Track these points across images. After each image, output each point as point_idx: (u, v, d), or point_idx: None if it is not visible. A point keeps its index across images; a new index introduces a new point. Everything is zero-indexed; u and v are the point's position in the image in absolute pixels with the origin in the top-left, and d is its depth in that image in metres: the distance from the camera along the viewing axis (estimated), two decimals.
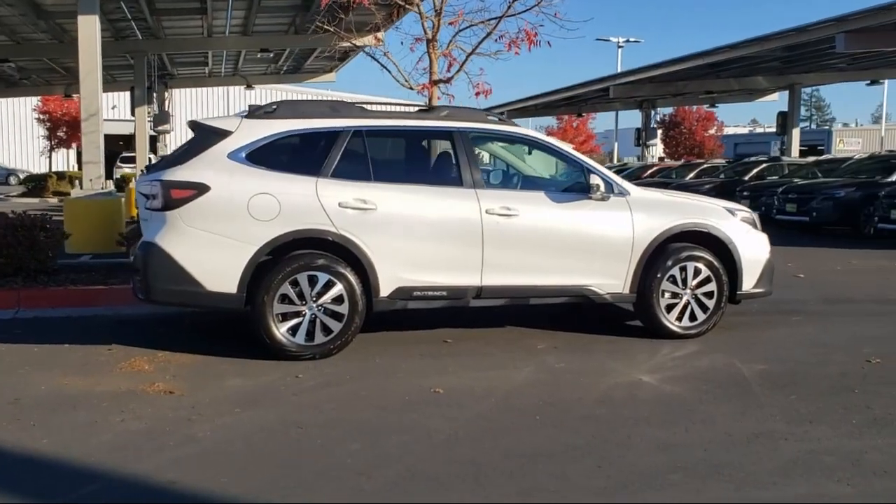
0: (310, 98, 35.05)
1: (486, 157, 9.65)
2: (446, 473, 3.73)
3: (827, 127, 76.19)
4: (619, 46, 38.48)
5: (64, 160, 44.01)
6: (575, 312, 7.24)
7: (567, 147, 6.55)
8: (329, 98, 22.27)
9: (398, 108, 6.49)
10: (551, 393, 4.97)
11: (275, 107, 5.86)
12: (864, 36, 15.94)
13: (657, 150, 41.79)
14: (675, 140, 47.82)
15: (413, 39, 9.16)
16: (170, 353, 5.76)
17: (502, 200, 6.02)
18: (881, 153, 19.31)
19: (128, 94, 23.84)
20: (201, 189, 5.43)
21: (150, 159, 21.13)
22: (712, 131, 48.75)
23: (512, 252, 6.01)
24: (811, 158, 23.51)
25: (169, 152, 28.29)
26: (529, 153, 6.88)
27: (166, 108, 27.25)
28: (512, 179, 6.34)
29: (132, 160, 23.54)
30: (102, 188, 11.70)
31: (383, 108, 6.36)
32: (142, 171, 7.59)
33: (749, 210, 7.03)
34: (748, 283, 6.64)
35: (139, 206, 5.96)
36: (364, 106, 6.11)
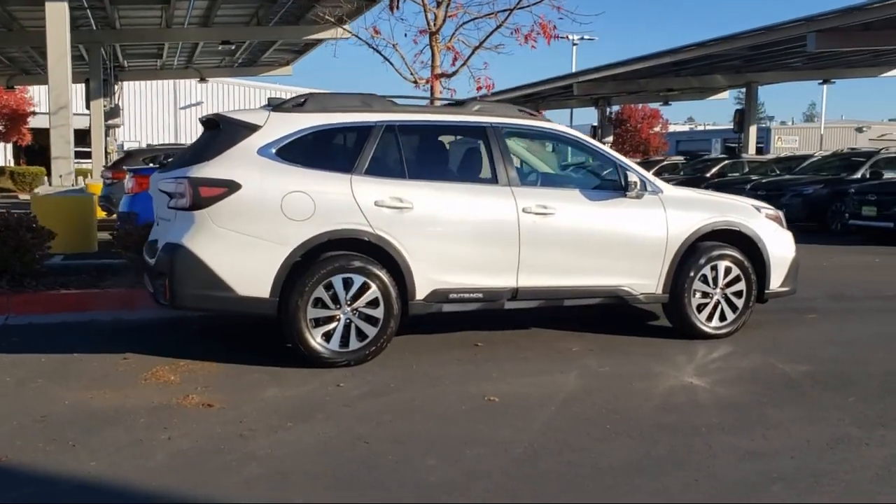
0: (272, 93, 34.49)
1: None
2: (543, 491, 3.51)
3: (765, 125, 78.10)
4: (574, 44, 38.67)
5: (0, 154, 42.21)
6: (593, 313, 7.07)
7: (600, 144, 6.37)
8: (323, 92, 21.84)
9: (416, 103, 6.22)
10: (609, 400, 4.78)
11: (303, 99, 5.53)
12: (836, 35, 16.22)
13: (608, 147, 42.20)
14: (621, 137, 48.47)
15: (417, 31, 8.88)
16: (191, 362, 5.40)
17: (538, 198, 5.81)
18: (843, 151, 19.74)
19: (81, 86, 22.88)
20: (232, 187, 5.09)
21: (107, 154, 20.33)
22: (657, 129, 49.50)
23: (548, 252, 5.81)
24: (770, 156, 23.95)
25: (117, 146, 27.09)
26: (553, 149, 6.68)
27: (116, 102, 26.31)
28: (546, 177, 6.13)
29: (87, 155, 22.66)
30: (73, 185, 11.12)
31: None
32: (103, 167, 7.12)
33: (773, 208, 6.97)
34: (775, 281, 6.58)
35: (157, 205, 5.57)
36: (394, 100, 5.82)
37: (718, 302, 6.35)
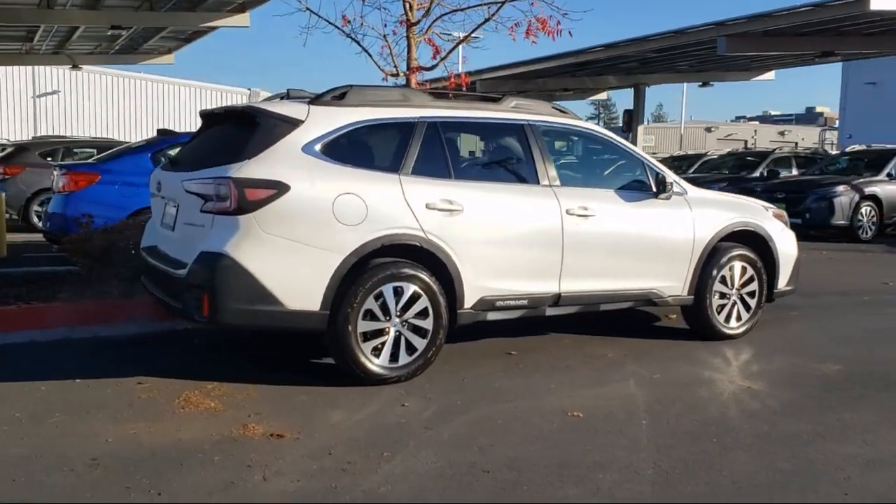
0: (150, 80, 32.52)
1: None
2: None
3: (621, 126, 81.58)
4: (459, 43, 38.49)
5: None
6: (592, 316, 6.91)
7: (629, 143, 6.21)
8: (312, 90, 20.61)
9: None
10: (690, 410, 4.62)
11: (343, 92, 5.03)
12: (745, 40, 16.96)
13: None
14: None
15: (396, 22, 8.42)
16: (220, 384, 4.81)
17: (579, 200, 5.58)
18: (739, 151, 20.77)
19: None
20: (281, 189, 4.55)
21: None
22: None
23: (589, 255, 5.60)
24: (663, 155, 24.87)
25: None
26: (568, 148, 6.48)
27: None
28: (582, 177, 5.91)
29: None
30: None
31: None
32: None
33: (776, 207, 7.07)
34: (782, 280, 6.67)
35: (184, 208, 4.90)
36: (432, 93, 5.42)
37: (735, 303, 6.36)
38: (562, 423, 4.33)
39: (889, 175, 15.09)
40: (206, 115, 5.54)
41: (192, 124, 33.15)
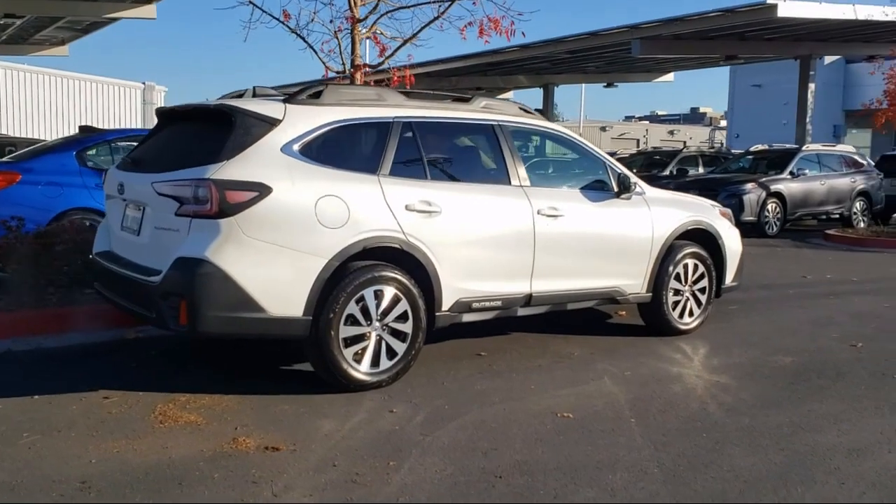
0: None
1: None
2: None
3: None
4: (406, 41, 38.00)
5: None
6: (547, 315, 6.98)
7: (590, 144, 6.27)
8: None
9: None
10: (670, 406, 4.72)
11: (319, 90, 4.87)
12: (658, 43, 17.50)
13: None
14: None
15: (342, 18, 8.21)
16: (192, 396, 4.59)
17: (549, 200, 5.61)
18: (646, 149, 21.42)
19: None
20: (263, 191, 4.36)
21: None
22: None
23: (558, 255, 5.63)
24: (569, 155, 25.36)
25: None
26: (535, 149, 6.47)
27: None
28: (549, 178, 5.92)
29: None
30: None
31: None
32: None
33: (721, 206, 7.31)
34: (729, 276, 6.91)
35: (154, 212, 4.61)
36: (404, 93, 5.32)
37: (688, 299, 6.54)
38: (555, 425, 4.33)
39: (792, 173, 15.90)
40: (166, 113, 5.26)
41: (84, 119, 31.54)
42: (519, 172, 5.53)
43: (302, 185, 4.51)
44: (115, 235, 5.12)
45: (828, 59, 42.29)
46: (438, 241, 4.97)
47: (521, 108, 5.86)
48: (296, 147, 4.59)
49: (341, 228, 4.58)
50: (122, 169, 5.12)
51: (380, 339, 4.79)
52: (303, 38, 8.21)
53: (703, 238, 6.64)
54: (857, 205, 16.93)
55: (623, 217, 6.06)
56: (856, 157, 17.58)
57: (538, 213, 5.49)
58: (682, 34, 16.81)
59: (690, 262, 6.48)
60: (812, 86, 20.01)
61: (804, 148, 16.70)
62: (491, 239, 5.28)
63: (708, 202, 7.09)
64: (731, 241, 6.88)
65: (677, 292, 6.45)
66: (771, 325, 7.10)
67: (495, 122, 5.56)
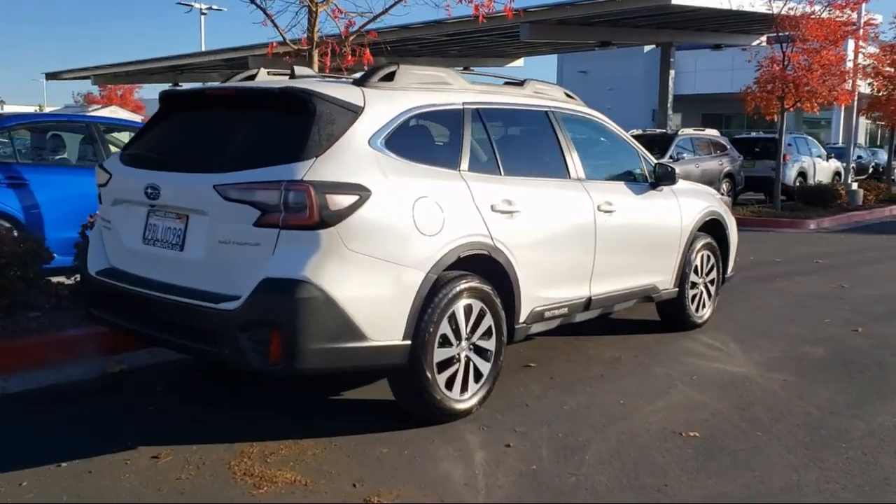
0: None
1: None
2: None
3: None
4: (203, 13, 35.87)
5: None
6: None
7: (623, 132, 5.84)
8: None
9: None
10: (779, 413, 4.43)
11: (391, 71, 4.09)
12: (543, 28, 17.43)
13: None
14: None
15: None
16: (260, 444, 3.73)
17: (603, 194, 5.15)
18: None
19: None
20: (363, 194, 3.58)
21: None
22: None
23: (614, 253, 5.20)
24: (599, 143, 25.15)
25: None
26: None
27: None
28: (598, 169, 5.40)
29: None
30: None
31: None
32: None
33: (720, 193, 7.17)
34: (730, 266, 6.79)
35: (215, 221, 3.64)
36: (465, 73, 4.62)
37: (702, 291, 6.34)
38: (695, 448, 3.89)
39: (672, 157, 16.41)
40: (186, 97, 4.26)
41: None
42: (576, 164, 5.03)
43: (397, 186, 3.76)
44: (126, 250, 4.08)
45: (647, 48, 44.63)
46: (518, 245, 4.37)
47: (566, 94, 5.34)
48: (381, 140, 3.82)
49: (437, 235, 3.88)
50: (142, 166, 4.04)
51: (468, 361, 4.15)
52: (263, 10, 7.19)
53: (713, 228, 6.46)
54: (724, 186, 17.80)
55: (660, 210, 5.73)
56: (721, 140, 18.48)
57: (598, 208, 5.03)
58: (566, 19, 16.88)
59: (705, 253, 6.27)
60: (672, 72, 20.90)
61: (680, 132, 17.31)
62: (561, 239, 4.75)
63: (710, 189, 6.93)
64: (733, 230, 6.75)
65: (694, 285, 6.22)
66: (760, 313, 7.07)
67: (548, 109, 5.02)
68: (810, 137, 23.17)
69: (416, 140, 4.02)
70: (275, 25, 7.22)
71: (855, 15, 16.49)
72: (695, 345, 5.88)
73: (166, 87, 18.30)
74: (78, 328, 5.05)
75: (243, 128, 3.86)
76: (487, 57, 28.25)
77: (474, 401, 4.17)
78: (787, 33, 16.00)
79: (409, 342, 3.77)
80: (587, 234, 4.93)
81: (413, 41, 21.93)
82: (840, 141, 36.86)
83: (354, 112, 3.77)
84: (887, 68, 20.09)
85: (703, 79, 42.93)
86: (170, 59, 30.42)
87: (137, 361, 5.01)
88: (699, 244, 6.16)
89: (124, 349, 5.04)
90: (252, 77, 4.61)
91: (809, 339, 6.13)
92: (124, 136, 8.07)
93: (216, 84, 4.39)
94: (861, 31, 17.19)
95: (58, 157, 7.90)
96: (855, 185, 19.02)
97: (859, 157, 32.00)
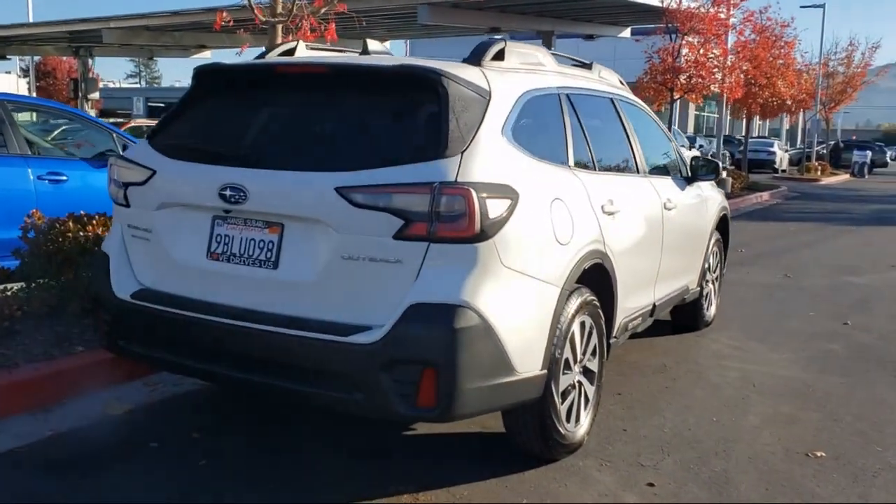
0: None
1: None
2: None
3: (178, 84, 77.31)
4: None
5: None
6: None
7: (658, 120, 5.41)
8: None
9: None
10: (864, 420, 4.23)
11: (501, 48, 3.43)
12: (446, 11, 16.84)
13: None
14: (45, 91, 44.00)
15: None
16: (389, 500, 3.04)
17: (665, 190, 4.75)
18: None
19: None
20: (514, 198, 2.94)
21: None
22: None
23: (671, 255, 4.81)
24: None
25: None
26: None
27: None
28: (652, 163, 4.91)
29: None
30: None
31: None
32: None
33: None
34: (725, 261, 6.62)
35: (339, 231, 2.84)
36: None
37: (711, 289, 6.13)
38: (837, 470, 3.58)
39: None
40: (265, 73, 3.37)
41: None
42: (640, 157, 4.58)
43: (535, 186, 3.15)
44: (177, 267, 3.18)
45: (498, 37, 45.05)
46: (617, 250, 3.86)
47: (619, 80, 4.86)
48: (510, 131, 3.18)
49: (569, 244, 3.30)
50: (210, 161, 3.12)
51: (580, 385, 3.61)
52: None
53: (722, 224, 6.23)
54: None
55: (697, 207, 5.41)
56: None
57: (664, 206, 4.62)
58: (460, 3, 16.42)
59: (715, 250, 6.05)
60: None
61: None
62: (644, 241, 4.30)
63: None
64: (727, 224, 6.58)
65: (706, 283, 5.98)
66: (751, 309, 6.98)
67: (613, 96, 4.54)
68: (675, 127, 24.14)
69: (532, 131, 3.40)
70: None
71: (736, 12, 17.23)
72: (719, 346, 5.63)
73: None
74: (64, 358, 4.06)
75: (352, 115, 3.09)
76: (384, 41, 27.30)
77: (583, 431, 3.64)
78: (674, 24, 16.44)
79: (545, 371, 3.18)
80: (657, 235, 4.51)
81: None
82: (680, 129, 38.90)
83: (483, 98, 3.11)
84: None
85: None
86: None
87: (138, 398, 4.08)
88: (713, 240, 5.92)
89: (111, 382, 4.10)
90: (291, 52, 3.81)
91: (815, 334, 6.07)
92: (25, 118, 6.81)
93: (286, 59, 3.54)
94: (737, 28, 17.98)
95: None
96: (724, 174, 19.95)
97: (700, 146, 33.92)
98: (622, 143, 4.45)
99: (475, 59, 3.32)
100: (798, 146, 46.29)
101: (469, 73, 3.16)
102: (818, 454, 3.75)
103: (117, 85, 76.15)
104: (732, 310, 6.80)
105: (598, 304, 3.64)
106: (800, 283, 8.35)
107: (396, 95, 3.09)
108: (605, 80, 4.57)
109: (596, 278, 3.65)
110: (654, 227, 4.44)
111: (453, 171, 2.78)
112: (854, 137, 57.51)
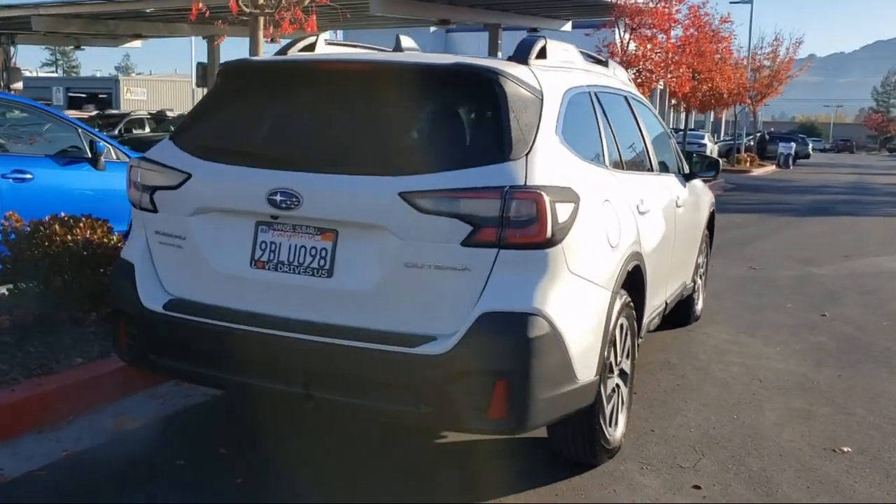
0: None
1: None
2: None
3: (112, 75, 74.88)
4: None
5: None
6: None
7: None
8: None
9: None
10: (877, 415, 4.32)
11: (543, 45, 3.33)
12: (397, 1, 16.63)
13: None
14: None
15: None
16: None
17: (674, 188, 4.75)
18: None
19: None
20: (577, 201, 2.86)
21: None
22: None
23: (679, 252, 4.84)
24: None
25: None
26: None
27: None
28: (660, 160, 4.89)
29: None
30: None
31: None
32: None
33: None
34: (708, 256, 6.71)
35: (402, 238, 2.70)
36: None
37: (699, 284, 6.19)
38: (867, 465, 3.64)
39: None
40: (304, 71, 3.17)
41: None
42: (652, 155, 4.57)
43: (590, 188, 3.08)
44: (216, 276, 2.98)
45: (432, 28, 45.12)
46: (647, 251, 3.84)
47: (629, 77, 4.83)
48: (561, 131, 3.11)
49: (618, 247, 3.26)
50: (254, 164, 2.92)
51: (618, 388, 3.57)
52: None
53: (710, 221, 6.28)
54: None
55: (695, 204, 5.44)
56: None
57: (676, 204, 4.62)
58: None
59: (703, 246, 6.11)
60: (500, 54, 20.99)
61: None
62: (664, 240, 4.29)
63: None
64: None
65: (698, 278, 6.04)
66: (730, 302, 7.10)
67: (627, 94, 4.51)
68: None
69: (576, 131, 3.32)
70: None
71: (682, 7, 17.55)
72: (715, 341, 5.69)
73: None
74: (66, 371, 3.80)
75: (406, 115, 2.96)
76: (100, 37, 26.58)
77: (620, 433, 3.60)
78: (622, 19, 16.64)
79: (598, 377, 3.12)
80: (671, 233, 4.51)
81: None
82: None
83: (537, 97, 3.03)
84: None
85: None
86: None
87: (148, 411, 3.86)
88: (703, 237, 5.98)
89: (116, 396, 3.88)
90: (311, 47, 3.64)
91: (799, 326, 6.21)
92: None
93: (325, 55, 3.37)
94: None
95: None
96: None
97: None
98: (640, 142, 4.42)
99: (522, 57, 3.22)
100: (723, 138, 47.69)
101: (522, 71, 3.06)
102: (845, 449, 3.81)
103: (34, 74, 73.18)
104: (712, 303, 6.88)
105: (633, 305, 3.60)
106: (767, 274, 8.53)
107: (452, 95, 2.97)
108: (618, 78, 4.54)
109: (630, 280, 3.61)
110: (670, 225, 4.44)
111: (521, 174, 2.69)
112: (773, 129, 59.64)
